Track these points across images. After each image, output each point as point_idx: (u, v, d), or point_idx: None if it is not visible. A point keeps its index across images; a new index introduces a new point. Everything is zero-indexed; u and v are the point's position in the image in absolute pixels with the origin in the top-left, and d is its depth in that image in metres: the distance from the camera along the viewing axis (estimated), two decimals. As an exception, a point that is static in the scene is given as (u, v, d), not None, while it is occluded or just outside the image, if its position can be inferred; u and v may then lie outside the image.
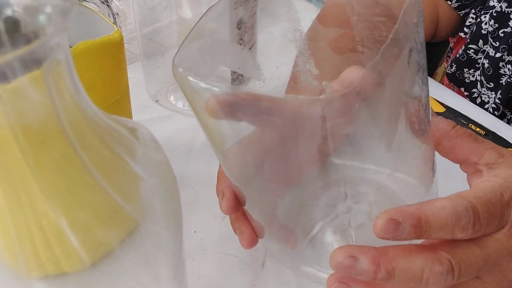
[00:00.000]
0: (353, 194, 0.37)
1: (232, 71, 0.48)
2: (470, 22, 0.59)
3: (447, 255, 0.24)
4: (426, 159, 0.30)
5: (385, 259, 0.24)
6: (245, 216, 0.33)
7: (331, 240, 0.35)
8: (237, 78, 0.50)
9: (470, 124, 0.48)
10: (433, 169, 0.31)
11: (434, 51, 0.76)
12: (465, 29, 0.60)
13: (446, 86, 0.62)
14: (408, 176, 0.34)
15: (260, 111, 0.30)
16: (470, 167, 0.29)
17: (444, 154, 0.30)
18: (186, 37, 0.29)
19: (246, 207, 0.32)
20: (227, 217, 0.42)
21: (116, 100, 0.39)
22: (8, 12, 0.13)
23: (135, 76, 0.56)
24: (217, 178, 0.33)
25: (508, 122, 0.59)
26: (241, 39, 0.47)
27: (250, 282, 0.37)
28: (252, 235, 0.32)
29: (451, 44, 0.67)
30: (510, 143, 0.47)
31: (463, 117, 0.49)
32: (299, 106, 0.33)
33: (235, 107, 0.27)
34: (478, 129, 0.48)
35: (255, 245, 0.32)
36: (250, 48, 0.50)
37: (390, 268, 0.24)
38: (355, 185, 0.37)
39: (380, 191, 0.37)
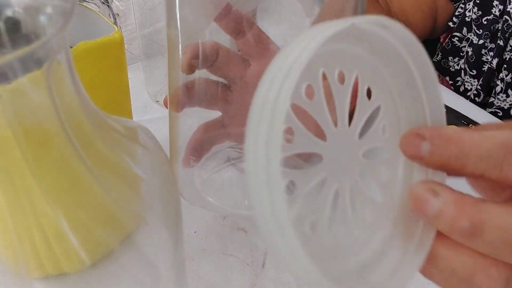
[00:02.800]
0: None
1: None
2: (459, 12, 0.60)
3: None
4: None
5: (473, 208, 0.18)
6: None
7: (230, 177, 0.38)
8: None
9: (470, 125, 0.48)
10: None
11: (434, 50, 0.76)
12: (454, 19, 0.61)
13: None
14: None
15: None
16: None
17: None
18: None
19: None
20: (228, 217, 0.42)
21: (116, 100, 0.39)
22: (9, 12, 0.13)
23: (135, 77, 0.56)
24: None
25: (489, 107, 0.59)
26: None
27: (250, 283, 0.37)
28: None
29: (442, 37, 0.68)
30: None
31: (463, 117, 0.49)
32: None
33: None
34: (470, 125, 0.48)
35: None
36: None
37: (478, 219, 0.18)
38: None
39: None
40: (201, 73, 0.33)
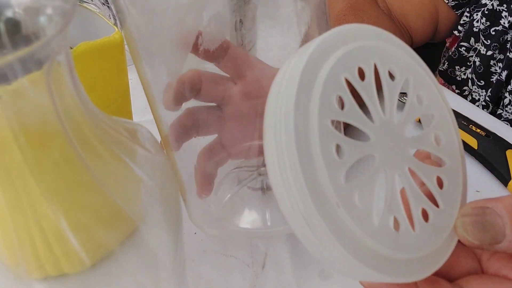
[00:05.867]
0: None
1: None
2: (464, 20, 0.60)
3: None
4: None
5: None
6: None
7: (245, 198, 0.38)
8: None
9: (471, 125, 0.48)
10: None
11: (434, 51, 0.76)
12: (459, 27, 0.60)
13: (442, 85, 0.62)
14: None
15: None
16: None
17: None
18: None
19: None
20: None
21: (117, 101, 0.39)
22: (9, 13, 0.13)
23: (135, 77, 0.56)
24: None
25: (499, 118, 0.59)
26: (241, 39, 0.47)
27: (250, 284, 0.37)
28: None
29: (447, 44, 0.68)
30: (510, 143, 0.47)
31: (463, 118, 0.49)
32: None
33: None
34: (478, 130, 0.48)
35: None
36: (250, 49, 0.50)
37: None
38: None
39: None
40: (188, 103, 0.33)
